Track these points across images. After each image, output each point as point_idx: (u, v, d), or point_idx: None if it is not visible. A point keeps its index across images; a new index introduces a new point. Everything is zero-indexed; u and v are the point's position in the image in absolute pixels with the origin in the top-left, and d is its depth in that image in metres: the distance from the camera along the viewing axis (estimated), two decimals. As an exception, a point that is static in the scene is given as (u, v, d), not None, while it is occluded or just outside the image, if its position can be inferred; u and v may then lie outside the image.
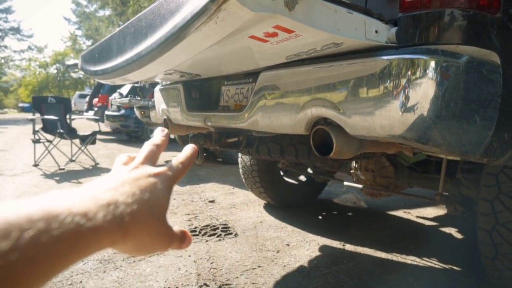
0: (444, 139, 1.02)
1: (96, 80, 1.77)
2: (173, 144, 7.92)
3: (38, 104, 5.38)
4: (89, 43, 30.94)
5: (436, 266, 2.06)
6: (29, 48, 40.05)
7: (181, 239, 0.40)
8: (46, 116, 5.15)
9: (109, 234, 0.29)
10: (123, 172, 0.36)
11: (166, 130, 0.44)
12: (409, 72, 0.98)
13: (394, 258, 2.15)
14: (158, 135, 0.44)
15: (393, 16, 1.10)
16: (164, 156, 6.18)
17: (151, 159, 0.40)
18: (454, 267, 2.04)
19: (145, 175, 0.36)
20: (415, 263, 2.09)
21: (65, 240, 0.26)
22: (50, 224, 0.25)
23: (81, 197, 0.29)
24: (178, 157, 0.41)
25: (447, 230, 2.70)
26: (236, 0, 0.72)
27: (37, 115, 5.23)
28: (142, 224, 0.32)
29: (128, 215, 0.31)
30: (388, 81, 1.01)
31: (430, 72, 0.97)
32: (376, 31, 1.03)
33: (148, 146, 0.41)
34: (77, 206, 0.28)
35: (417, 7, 1.02)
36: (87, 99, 13.35)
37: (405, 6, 1.05)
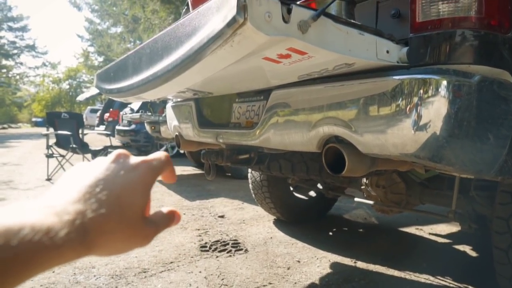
0: (458, 158, 1.02)
1: (110, 97, 1.81)
2: (182, 159, 7.92)
3: (52, 119, 5.49)
4: (101, 59, 31.57)
5: (451, 285, 2.02)
6: (43, 64, 41.10)
7: (168, 221, 0.39)
8: (59, 132, 5.24)
9: (72, 249, 0.28)
10: (102, 166, 0.34)
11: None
12: (421, 92, 0.99)
13: (407, 276, 2.11)
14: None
15: (403, 36, 1.11)
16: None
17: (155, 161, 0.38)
18: (469, 287, 2.00)
19: (123, 170, 0.34)
20: (428, 281, 2.05)
21: (25, 256, 0.25)
22: (9, 240, 0.25)
23: (47, 211, 0.29)
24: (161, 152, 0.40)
25: (461, 247, 2.65)
26: (252, 24, 0.75)
27: (51, 130, 5.33)
28: (110, 234, 0.31)
29: (93, 230, 0.30)
30: (400, 100, 1.02)
31: (443, 92, 0.97)
32: (387, 51, 1.04)
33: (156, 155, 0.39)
34: (40, 222, 0.27)
35: (428, 27, 1.04)
36: (98, 113, 13.58)
37: (416, 27, 1.07)
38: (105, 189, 0.32)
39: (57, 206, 0.29)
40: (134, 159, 0.36)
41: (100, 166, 0.34)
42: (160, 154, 0.39)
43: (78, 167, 0.36)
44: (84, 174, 0.34)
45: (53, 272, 2.10)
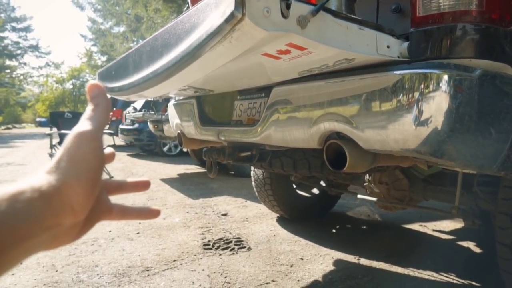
0: (459, 152, 1.01)
1: (112, 96, 1.81)
2: (185, 158, 7.96)
3: (55, 119, 5.52)
4: (104, 59, 31.64)
5: (455, 281, 2.01)
6: (47, 64, 41.32)
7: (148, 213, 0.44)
8: (63, 131, 5.26)
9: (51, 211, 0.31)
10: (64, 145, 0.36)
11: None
12: (422, 86, 0.98)
13: (411, 273, 2.10)
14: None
15: (404, 30, 1.11)
16: (176, 169, 6.23)
17: (93, 118, 0.38)
18: (473, 283, 1.99)
19: (73, 142, 0.35)
20: (432, 278, 2.04)
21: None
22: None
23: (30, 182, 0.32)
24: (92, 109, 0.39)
25: (465, 244, 2.63)
26: (250, 20, 0.74)
27: (54, 129, 5.36)
28: (75, 192, 0.33)
29: (63, 192, 0.32)
30: (401, 95, 1.01)
31: (444, 86, 0.97)
32: (388, 46, 1.03)
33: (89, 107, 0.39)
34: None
35: (429, 22, 1.03)
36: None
37: (416, 21, 1.06)
38: (65, 160, 0.34)
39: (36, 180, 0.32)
40: (78, 128, 0.37)
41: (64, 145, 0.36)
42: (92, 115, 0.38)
43: None
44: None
45: (56, 271, 2.11)
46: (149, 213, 0.46)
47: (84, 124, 0.37)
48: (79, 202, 0.33)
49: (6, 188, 0.30)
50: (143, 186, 0.47)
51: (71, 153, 0.34)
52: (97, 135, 0.37)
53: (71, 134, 0.36)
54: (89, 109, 0.39)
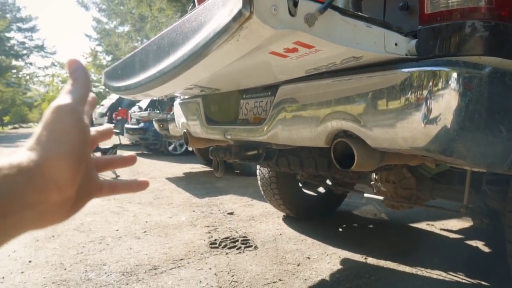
0: (469, 151, 1.00)
1: (118, 95, 1.82)
2: (191, 157, 7.95)
3: (61, 118, 5.55)
4: (109, 58, 31.77)
5: (464, 281, 1.99)
6: (53, 64, 41.52)
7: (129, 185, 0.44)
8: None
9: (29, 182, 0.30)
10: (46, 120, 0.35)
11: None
12: (431, 84, 0.97)
13: (419, 273, 2.09)
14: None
15: (412, 28, 1.10)
16: (182, 168, 6.25)
17: (72, 91, 0.37)
18: (482, 282, 1.97)
19: (52, 116, 0.34)
20: (441, 277, 2.03)
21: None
22: None
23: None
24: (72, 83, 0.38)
25: (473, 243, 2.61)
26: (258, 18, 0.74)
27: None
28: (57, 166, 0.32)
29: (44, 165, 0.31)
30: (410, 93, 1.00)
31: (453, 84, 0.96)
32: (396, 44, 1.03)
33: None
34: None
35: (437, 19, 1.02)
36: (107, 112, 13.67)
37: (425, 19, 1.05)
38: (43, 135, 0.33)
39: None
40: (57, 101, 0.36)
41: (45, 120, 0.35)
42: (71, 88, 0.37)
43: None
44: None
45: (65, 269, 2.13)
46: (138, 185, 0.46)
47: (63, 98, 0.36)
48: (64, 178, 0.32)
49: None
50: (130, 160, 0.47)
51: (51, 128, 0.33)
52: (77, 108, 0.36)
53: (49, 109, 0.35)
54: (68, 83, 0.38)
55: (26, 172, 0.30)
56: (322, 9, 0.84)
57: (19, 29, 36.67)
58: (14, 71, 37.48)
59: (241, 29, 0.77)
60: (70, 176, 0.33)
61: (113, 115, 11.29)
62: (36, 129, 0.34)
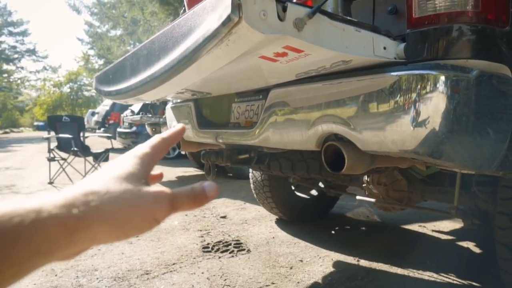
0: (457, 153, 1.01)
1: (110, 99, 1.81)
2: (184, 161, 7.91)
3: (53, 123, 5.50)
4: (101, 62, 31.61)
5: (455, 282, 2.01)
6: (44, 68, 41.16)
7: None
8: (60, 135, 5.25)
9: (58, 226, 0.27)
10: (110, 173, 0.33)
11: (182, 126, 0.42)
12: (419, 87, 0.98)
13: (411, 274, 2.10)
14: (170, 130, 0.41)
15: (401, 32, 1.11)
16: (175, 171, 6.22)
17: (153, 159, 0.37)
18: (473, 283, 1.99)
19: (137, 188, 0.32)
20: (432, 279, 2.04)
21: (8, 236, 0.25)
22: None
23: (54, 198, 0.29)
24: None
25: (464, 244, 2.64)
26: (247, 23, 0.74)
27: (52, 133, 5.34)
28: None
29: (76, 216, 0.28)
30: (398, 96, 1.01)
31: (441, 87, 0.97)
32: (385, 48, 1.04)
33: (153, 141, 0.38)
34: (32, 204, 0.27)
35: (425, 23, 1.03)
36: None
37: (413, 23, 1.06)
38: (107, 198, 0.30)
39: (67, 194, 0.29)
40: (157, 189, 0.34)
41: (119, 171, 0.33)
42: (186, 193, 0.36)
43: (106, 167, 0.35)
44: (101, 175, 0.33)
45: (56, 275, 2.11)
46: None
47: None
48: (102, 241, 0.31)
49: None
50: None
51: (115, 193, 0.31)
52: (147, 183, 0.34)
53: (121, 165, 0.33)
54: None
55: (68, 228, 0.28)
56: (311, 14, 0.85)
57: (10, 33, 36.38)
58: (5, 75, 37.12)
59: (230, 34, 0.77)
60: (109, 242, 0.32)
61: (106, 120, 11.23)
62: (95, 177, 0.32)
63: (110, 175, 0.32)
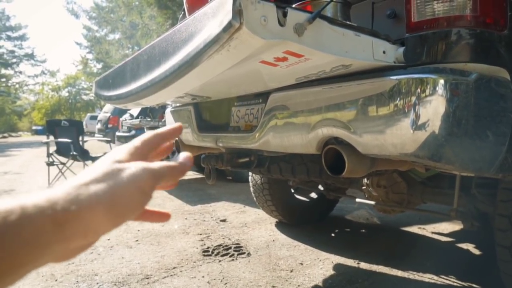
0: (457, 156, 1.02)
1: (109, 104, 1.82)
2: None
3: (52, 127, 5.49)
4: (99, 66, 31.64)
5: (455, 284, 2.01)
6: (43, 72, 41.16)
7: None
8: (59, 139, 5.24)
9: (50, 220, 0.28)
10: (103, 166, 0.34)
11: (179, 124, 0.44)
12: (419, 91, 0.99)
13: (411, 276, 2.10)
14: (167, 127, 0.42)
15: (400, 36, 1.12)
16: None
17: (140, 152, 0.38)
18: (474, 285, 1.99)
19: (122, 171, 0.34)
20: (432, 281, 2.04)
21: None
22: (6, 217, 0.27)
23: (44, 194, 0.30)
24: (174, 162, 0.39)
25: (464, 246, 2.64)
26: (247, 29, 0.75)
27: (51, 138, 5.34)
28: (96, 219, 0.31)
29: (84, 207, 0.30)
30: (398, 100, 1.02)
31: (440, 90, 0.98)
32: (384, 52, 1.04)
33: (145, 136, 0.40)
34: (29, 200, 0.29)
35: (424, 27, 1.04)
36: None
37: (412, 27, 1.07)
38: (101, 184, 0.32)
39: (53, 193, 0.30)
40: (136, 164, 0.36)
41: (103, 165, 0.35)
42: (164, 164, 0.38)
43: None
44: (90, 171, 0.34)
45: (56, 280, 2.10)
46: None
47: (147, 166, 0.35)
48: (101, 232, 0.32)
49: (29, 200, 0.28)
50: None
51: (112, 183, 0.32)
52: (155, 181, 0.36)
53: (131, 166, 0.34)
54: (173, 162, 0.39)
55: (56, 220, 0.29)
56: (311, 19, 0.85)
57: (9, 38, 36.38)
58: (4, 79, 37.09)
59: (231, 40, 0.78)
60: (108, 230, 0.33)
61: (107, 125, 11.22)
62: (90, 171, 0.33)
63: (95, 169, 0.34)
